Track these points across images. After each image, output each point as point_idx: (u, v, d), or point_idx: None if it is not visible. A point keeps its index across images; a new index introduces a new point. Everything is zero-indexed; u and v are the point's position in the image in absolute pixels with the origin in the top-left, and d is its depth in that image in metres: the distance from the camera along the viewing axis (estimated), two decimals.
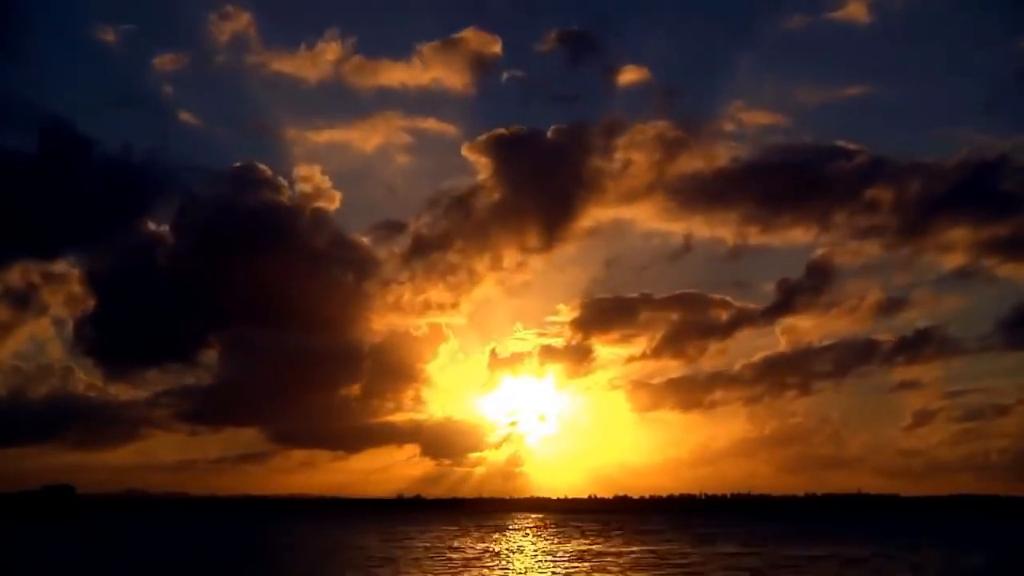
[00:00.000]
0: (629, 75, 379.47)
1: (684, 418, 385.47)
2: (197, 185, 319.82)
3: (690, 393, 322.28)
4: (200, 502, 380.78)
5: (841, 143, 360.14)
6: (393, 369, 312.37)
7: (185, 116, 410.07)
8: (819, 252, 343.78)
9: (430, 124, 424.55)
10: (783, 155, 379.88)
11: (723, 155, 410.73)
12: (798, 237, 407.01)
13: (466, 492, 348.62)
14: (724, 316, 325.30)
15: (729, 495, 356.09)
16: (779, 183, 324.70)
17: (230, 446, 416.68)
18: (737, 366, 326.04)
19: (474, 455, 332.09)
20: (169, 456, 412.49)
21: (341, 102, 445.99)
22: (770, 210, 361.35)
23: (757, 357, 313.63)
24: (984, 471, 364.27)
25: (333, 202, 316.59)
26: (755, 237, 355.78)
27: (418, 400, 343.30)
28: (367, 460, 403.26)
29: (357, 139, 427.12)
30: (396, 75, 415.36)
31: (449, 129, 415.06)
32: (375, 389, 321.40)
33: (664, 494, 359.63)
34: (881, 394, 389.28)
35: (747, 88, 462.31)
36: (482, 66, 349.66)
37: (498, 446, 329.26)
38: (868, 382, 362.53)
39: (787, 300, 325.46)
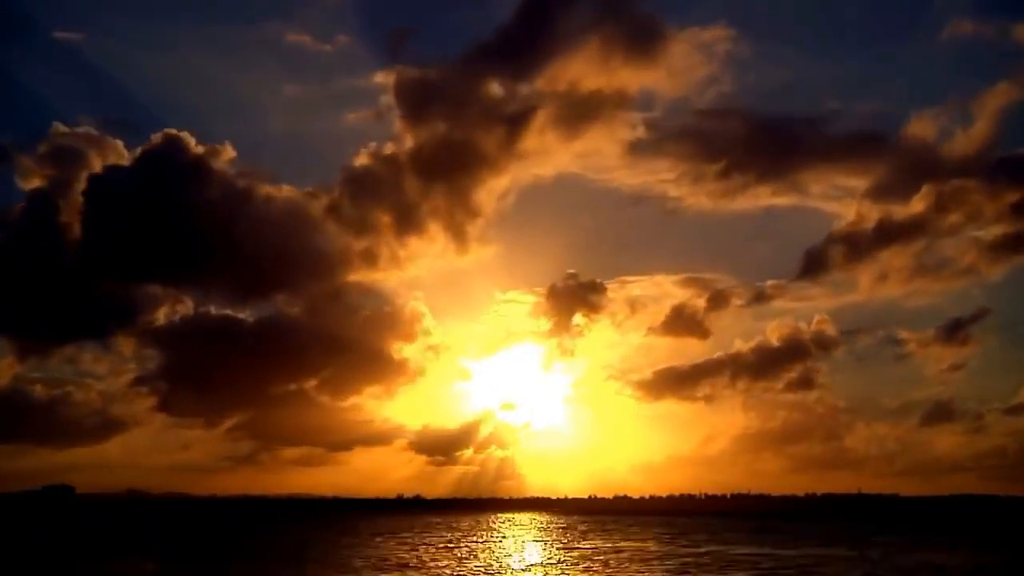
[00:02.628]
0: None
1: (677, 409, 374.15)
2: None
3: (675, 383, 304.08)
4: (200, 502, 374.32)
5: None
6: (357, 353, 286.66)
7: None
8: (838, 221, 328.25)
9: (305, 41, 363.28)
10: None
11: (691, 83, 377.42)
12: (776, 199, 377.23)
13: (466, 491, 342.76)
14: (710, 297, 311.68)
15: (729, 495, 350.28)
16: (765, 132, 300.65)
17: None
18: (729, 353, 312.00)
19: (467, 452, 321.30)
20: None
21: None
22: (745, 162, 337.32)
23: (751, 344, 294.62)
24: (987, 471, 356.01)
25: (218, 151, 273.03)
26: (732, 196, 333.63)
27: (391, 391, 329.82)
28: (358, 458, 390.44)
29: (221, 67, 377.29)
30: None
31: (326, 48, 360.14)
32: (340, 377, 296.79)
33: (664, 494, 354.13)
34: (886, 386, 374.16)
35: None
36: None
37: (483, 447, 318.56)
38: (873, 374, 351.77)
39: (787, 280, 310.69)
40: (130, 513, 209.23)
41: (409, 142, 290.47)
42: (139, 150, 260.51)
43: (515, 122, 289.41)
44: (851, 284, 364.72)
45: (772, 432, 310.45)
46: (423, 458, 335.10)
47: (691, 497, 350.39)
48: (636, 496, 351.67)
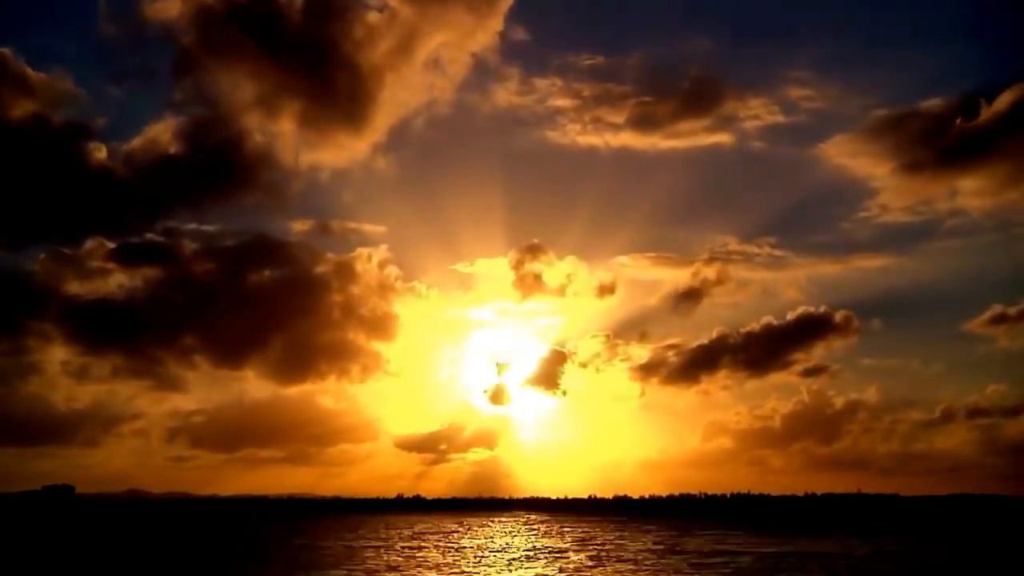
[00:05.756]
0: None
1: (668, 398, 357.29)
2: None
3: (663, 372, 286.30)
4: (200, 502, 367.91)
5: None
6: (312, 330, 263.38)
7: None
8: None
9: None
10: None
11: None
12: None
13: (464, 491, 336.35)
14: (688, 269, 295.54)
15: (729, 495, 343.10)
16: None
17: None
18: (712, 339, 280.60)
19: (459, 451, 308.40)
20: None
21: None
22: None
23: (737, 329, 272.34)
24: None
25: None
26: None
27: (364, 379, 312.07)
28: (350, 457, 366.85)
29: None
30: None
31: None
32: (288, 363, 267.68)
33: (664, 494, 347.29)
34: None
35: None
36: None
37: (473, 444, 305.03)
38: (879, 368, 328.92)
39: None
40: (131, 513, 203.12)
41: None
42: None
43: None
44: (842, 252, 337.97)
45: (771, 427, 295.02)
46: (416, 457, 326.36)
47: (691, 497, 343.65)
48: (636, 496, 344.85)
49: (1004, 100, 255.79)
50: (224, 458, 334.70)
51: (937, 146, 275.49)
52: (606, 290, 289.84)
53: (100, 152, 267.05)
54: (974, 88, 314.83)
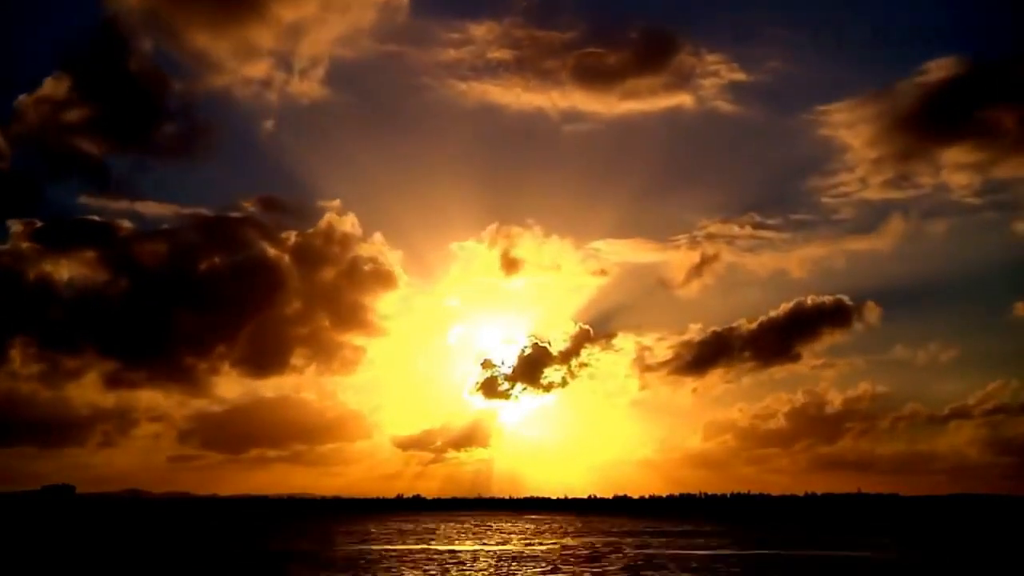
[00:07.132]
0: None
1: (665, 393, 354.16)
2: None
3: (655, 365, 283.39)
4: (200, 502, 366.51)
5: None
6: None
7: None
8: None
9: None
10: None
11: None
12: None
13: (463, 490, 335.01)
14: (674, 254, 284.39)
15: (729, 495, 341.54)
16: None
17: None
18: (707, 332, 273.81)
19: (455, 449, 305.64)
20: None
21: None
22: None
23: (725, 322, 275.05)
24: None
25: None
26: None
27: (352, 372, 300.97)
28: (348, 456, 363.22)
29: None
30: None
31: None
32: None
33: (664, 494, 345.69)
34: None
35: None
36: None
37: (469, 441, 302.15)
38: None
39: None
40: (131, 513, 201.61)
41: None
42: None
43: None
44: (828, 233, 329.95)
45: (771, 425, 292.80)
46: (414, 455, 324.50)
47: (691, 497, 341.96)
48: (636, 496, 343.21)
49: (994, 73, 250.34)
50: (223, 458, 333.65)
51: (922, 118, 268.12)
52: (591, 279, 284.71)
53: None
54: (966, 58, 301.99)
